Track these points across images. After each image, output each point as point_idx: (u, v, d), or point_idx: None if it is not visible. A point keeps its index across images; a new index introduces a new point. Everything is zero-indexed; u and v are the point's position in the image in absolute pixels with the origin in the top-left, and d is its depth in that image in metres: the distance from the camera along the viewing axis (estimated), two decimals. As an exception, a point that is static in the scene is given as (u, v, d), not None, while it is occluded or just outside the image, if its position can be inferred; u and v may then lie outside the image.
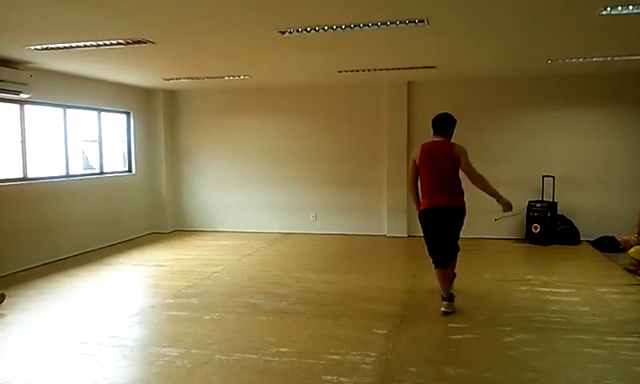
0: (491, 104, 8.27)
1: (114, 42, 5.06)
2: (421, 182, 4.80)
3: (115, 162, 8.94)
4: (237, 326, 4.48)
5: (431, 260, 4.83)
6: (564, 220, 7.82)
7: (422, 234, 4.90)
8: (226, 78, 7.65)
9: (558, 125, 8.01)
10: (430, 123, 4.96)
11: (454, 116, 4.96)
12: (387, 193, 8.58)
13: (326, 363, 3.61)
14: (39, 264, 6.71)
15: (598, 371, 3.50)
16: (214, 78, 7.64)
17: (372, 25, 4.49)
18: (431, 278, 5.99)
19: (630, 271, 6.05)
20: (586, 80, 7.78)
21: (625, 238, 6.73)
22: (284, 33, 4.73)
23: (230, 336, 4.20)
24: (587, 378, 3.44)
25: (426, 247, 4.87)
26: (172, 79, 7.81)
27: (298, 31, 4.67)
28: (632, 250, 6.24)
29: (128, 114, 8.79)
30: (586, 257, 7.01)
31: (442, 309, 4.67)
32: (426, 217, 4.75)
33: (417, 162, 4.78)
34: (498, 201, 4.67)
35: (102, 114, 8.17)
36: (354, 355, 3.74)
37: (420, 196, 4.82)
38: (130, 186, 8.80)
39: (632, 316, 4.63)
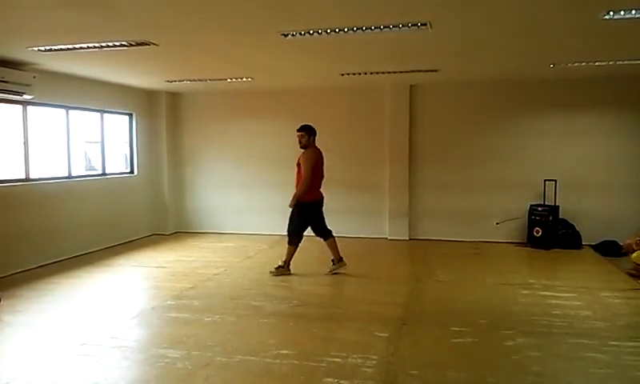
0: (493, 107, 8.26)
1: (117, 43, 5.07)
2: (311, 178, 5.94)
3: (117, 163, 8.95)
4: (238, 328, 4.48)
5: (297, 241, 6.12)
6: (566, 224, 7.80)
7: (302, 220, 6.06)
8: (229, 80, 7.66)
9: (560, 128, 8.00)
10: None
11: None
12: (389, 196, 8.58)
13: (327, 366, 3.60)
14: (40, 265, 6.71)
15: (600, 376, 3.49)
16: (216, 80, 7.65)
17: (375, 28, 4.49)
18: (434, 281, 5.99)
19: (632, 276, 6.03)
20: (589, 84, 7.78)
21: (627, 242, 6.74)
22: (287, 35, 4.74)
23: (230, 338, 4.19)
24: (589, 383, 3.43)
25: (297, 232, 6.09)
26: (175, 81, 7.82)
27: (300, 34, 4.67)
28: (634, 254, 6.24)
29: (130, 115, 8.81)
30: (588, 261, 6.99)
31: (340, 269, 6.14)
32: (317, 205, 6.13)
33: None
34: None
35: (105, 115, 8.18)
36: (356, 358, 3.73)
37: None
38: (132, 187, 8.81)
39: (634, 321, 4.62)
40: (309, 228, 6.21)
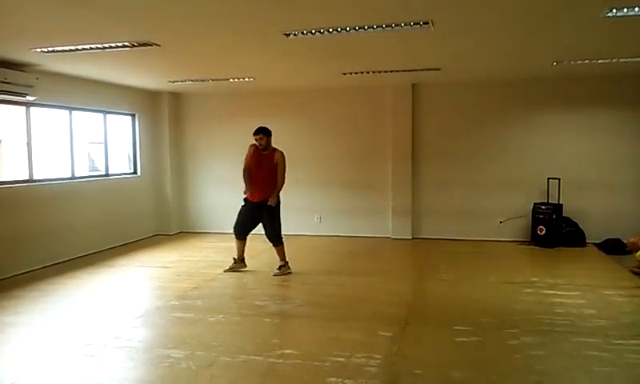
0: (496, 106, 8.25)
1: (119, 44, 5.08)
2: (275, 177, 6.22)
3: (120, 163, 8.97)
4: (241, 327, 4.49)
5: (283, 237, 6.28)
6: (569, 222, 7.79)
7: (279, 215, 6.25)
8: (231, 80, 7.67)
9: (563, 127, 7.99)
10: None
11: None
12: (392, 195, 8.58)
13: (330, 365, 3.61)
14: (44, 266, 6.73)
15: (604, 374, 3.49)
16: (218, 80, 7.66)
17: (377, 27, 4.49)
18: (437, 280, 5.99)
19: (636, 274, 6.01)
20: (592, 82, 7.76)
21: (631, 240, 6.73)
22: (288, 35, 4.74)
23: (235, 338, 4.21)
24: (593, 382, 3.42)
25: (281, 229, 6.28)
26: (177, 81, 7.84)
27: (302, 33, 4.67)
28: (638, 252, 6.22)
29: (133, 115, 8.83)
30: (592, 259, 6.98)
31: (239, 268, 6.42)
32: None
33: None
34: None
35: (108, 116, 8.20)
36: (359, 357, 3.73)
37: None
38: (135, 187, 8.83)
39: (638, 319, 4.61)
40: (237, 223, 6.42)
